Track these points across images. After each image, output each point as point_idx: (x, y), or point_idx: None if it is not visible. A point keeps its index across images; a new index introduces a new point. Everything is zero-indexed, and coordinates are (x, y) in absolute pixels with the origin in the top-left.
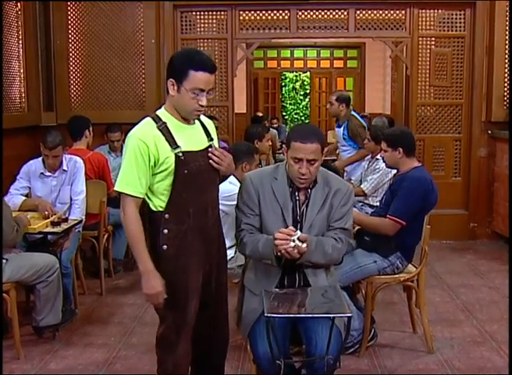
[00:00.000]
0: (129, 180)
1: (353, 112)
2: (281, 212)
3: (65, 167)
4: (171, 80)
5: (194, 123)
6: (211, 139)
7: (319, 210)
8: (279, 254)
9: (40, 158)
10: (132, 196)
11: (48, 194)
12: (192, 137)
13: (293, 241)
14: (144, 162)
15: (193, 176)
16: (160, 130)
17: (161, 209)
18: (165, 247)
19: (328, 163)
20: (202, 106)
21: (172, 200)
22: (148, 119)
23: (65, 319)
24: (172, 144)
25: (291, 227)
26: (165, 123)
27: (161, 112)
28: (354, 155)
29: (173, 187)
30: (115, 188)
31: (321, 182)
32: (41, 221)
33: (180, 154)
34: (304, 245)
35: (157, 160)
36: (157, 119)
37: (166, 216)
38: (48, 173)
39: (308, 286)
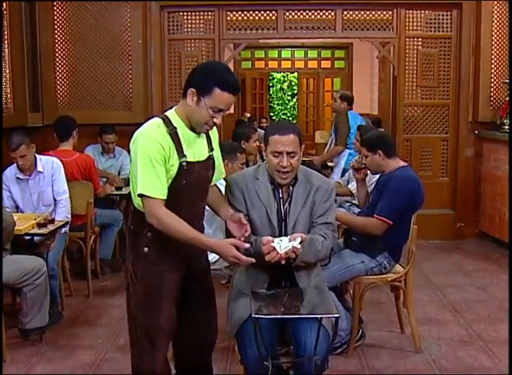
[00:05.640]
0: (153, 182)
1: (350, 112)
2: (265, 211)
3: (40, 168)
4: (192, 89)
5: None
6: (212, 149)
7: (302, 207)
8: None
9: (15, 164)
10: (159, 199)
11: (28, 197)
12: (197, 148)
13: (280, 246)
14: (161, 164)
15: (190, 187)
16: (170, 134)
17: None
18: (146, 249)
19: (309, 163)
20: (215, 124)
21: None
22: (159, 121)
23: (52, 321)
24: (180, 152)
25: (268, 238)
26: (175, 128)
27: (172, 116)
28: (330, 151)
29: (167, 195)
30: (140, 192)
31: (303, 179)
32: (27, 222)
33: (184, 163)
34: (299, 246)
35: (166, 164)
36: (168, 123)
37: None
38: (23, 177)
39: (296, 286)
